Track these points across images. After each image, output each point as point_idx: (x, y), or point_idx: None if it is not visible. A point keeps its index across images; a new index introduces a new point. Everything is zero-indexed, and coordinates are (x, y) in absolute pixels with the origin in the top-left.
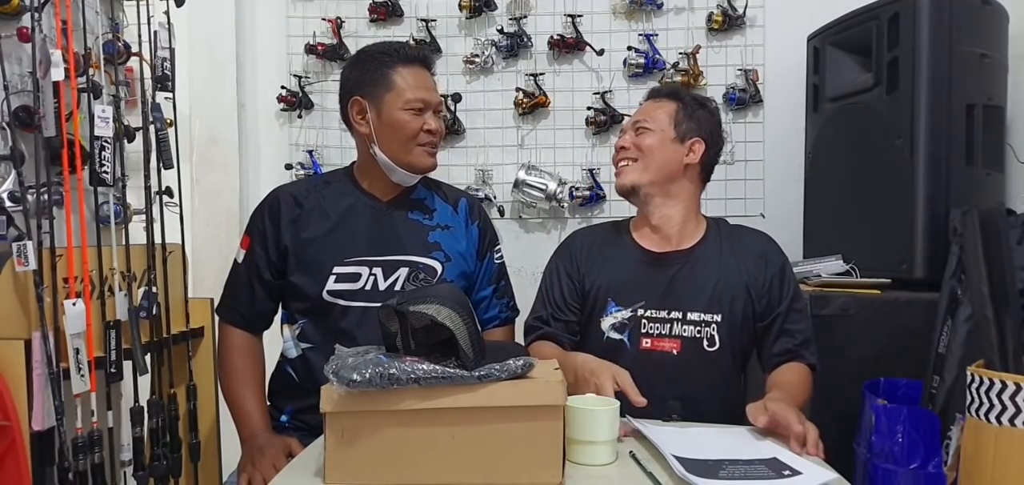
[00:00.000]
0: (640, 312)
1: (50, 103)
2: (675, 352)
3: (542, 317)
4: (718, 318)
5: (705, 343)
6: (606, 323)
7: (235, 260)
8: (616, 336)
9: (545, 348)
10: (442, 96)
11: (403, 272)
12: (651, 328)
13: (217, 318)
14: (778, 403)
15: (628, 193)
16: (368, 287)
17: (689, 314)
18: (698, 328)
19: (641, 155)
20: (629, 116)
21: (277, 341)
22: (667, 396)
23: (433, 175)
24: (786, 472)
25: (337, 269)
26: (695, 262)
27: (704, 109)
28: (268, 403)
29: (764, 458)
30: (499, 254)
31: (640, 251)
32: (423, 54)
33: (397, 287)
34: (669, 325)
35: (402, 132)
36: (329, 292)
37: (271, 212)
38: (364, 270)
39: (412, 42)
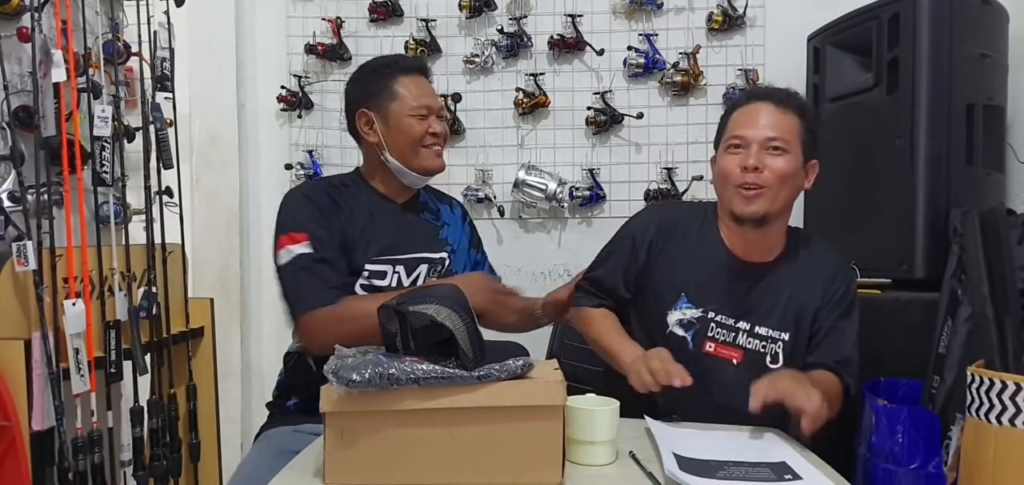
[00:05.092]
0: (711, 315)
1: (50, 103)
2: (735, 361)
3: (602, 286)
4: (786, 337)
5: (768, 359)
6: (673, 317)
7: (291, 260)
8: (680, 332)
9: (607, 320)
10: (442, 96)
11: (423, 269)
12: (718, 333)
13: (301, 322)
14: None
15: (753, 222)
16: (393, 284)
17: (757, 327)
18: (764, 343)
19: (776, 182)
20: (745, 121)
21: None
22: (719, 402)
23: (431, 184)
24: (788, 476)
25: (368, 266)
26: (775, 275)
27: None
28: (276, 393)
29: (771, 462)
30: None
31: (726, 253)
32: (420, 63)
33: (420, 283)
34: (735, 334)
35: (409, 136)
36: (362, 286)
37: (317, 204)
38: (389, 268)
39: (412, 41)
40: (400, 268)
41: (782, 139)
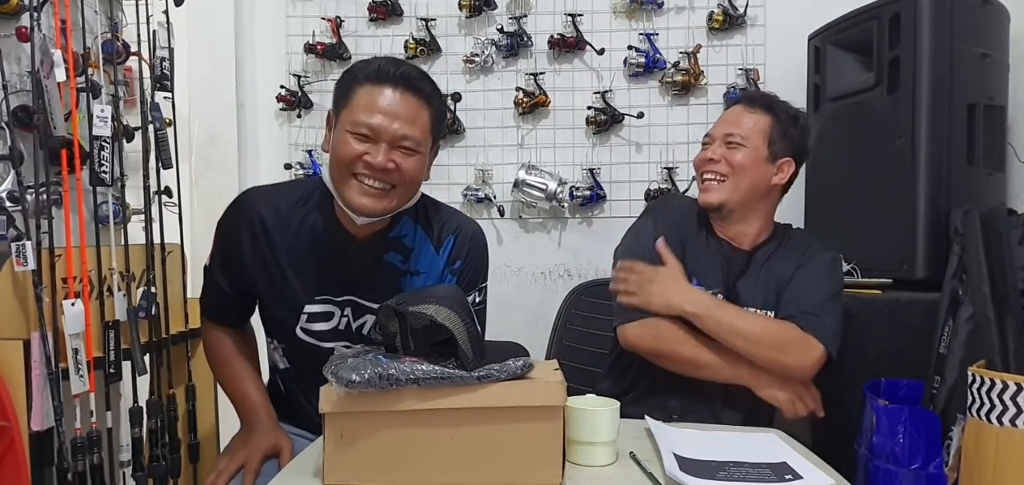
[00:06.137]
0: (719, 296)
1: (57, 103)
2: None
3: None
4: (771, 314)
5: None
6: None
7: (206, 265)
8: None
9: (674, 330)
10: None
11: (369, 319)
12: None
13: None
14: None
15: (713, 210)
16: (342, 327)
17: (749, 309)
18: None
19: (731, 173)
20: (716, 122)
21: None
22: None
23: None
24: (788, 476)
25: (309, 308)
26: (757, 258)
27: (796, 125)
28: None
29: (771, 462)
30: (476, 299)
31: (718, 241)
32: (401, 73)
33: (364, 331)
34: None
35: (336, 156)
36: (302, 329)
37: (237, 230)
38: (337, 311)
39: (412, 41)
40: (348, 310)
41: (739, 135)
